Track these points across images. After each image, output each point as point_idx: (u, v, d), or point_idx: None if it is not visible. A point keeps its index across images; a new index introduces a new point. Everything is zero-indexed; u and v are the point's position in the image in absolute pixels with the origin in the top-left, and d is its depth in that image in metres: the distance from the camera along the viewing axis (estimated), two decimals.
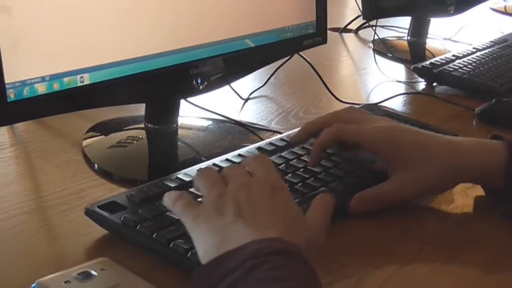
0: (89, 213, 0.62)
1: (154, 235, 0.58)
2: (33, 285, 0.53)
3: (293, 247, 0.50)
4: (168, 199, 0.58)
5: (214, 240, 0.52)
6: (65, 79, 0.66)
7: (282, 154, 0.76)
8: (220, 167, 0.70)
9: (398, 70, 1.25)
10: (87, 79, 0.67)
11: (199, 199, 0.58)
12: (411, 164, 0.68)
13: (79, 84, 0.67)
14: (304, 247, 0.51)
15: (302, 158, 0.75)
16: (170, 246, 0.57)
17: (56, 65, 0.65)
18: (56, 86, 0.65)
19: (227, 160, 0.73)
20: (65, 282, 0.53)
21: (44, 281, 0.53)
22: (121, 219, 0.60)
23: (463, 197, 0.74)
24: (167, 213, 0.61)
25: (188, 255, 0.56)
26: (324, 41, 0.97)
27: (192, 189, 0.65)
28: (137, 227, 0.59)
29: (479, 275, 0.62)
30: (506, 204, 0.70)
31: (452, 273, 0.62)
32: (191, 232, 0.55)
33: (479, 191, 0.75)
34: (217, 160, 0.73)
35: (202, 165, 0.72)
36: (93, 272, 0.54)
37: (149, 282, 0.54)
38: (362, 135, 0.70)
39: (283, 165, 0.73)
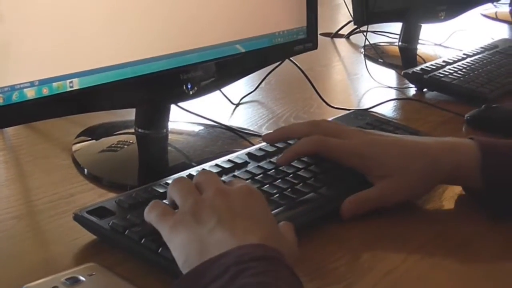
0: (78, 218, 0.62)
1: (142, 241, 0.58)
2: None
3: (276, 253, 0.50)
4: (146, 208, 0.58)
5: (194, 249, 0.52)
6: (55, 84, 0.65)
7: (272, 159, 0.76)
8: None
9: (389, 76, 1.25)
10: (76, 84, 0.67)
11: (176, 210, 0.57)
12: (391, 173, 0.70)
13: (69, 89, 0.67)
14: (284, 253, 0.51)
15: (291, 164, 0.75)
16: (159, 251, 0.57)
17: (46, 70, 0.65)
18: (45, 91, 0.65)
19: (216, 165, 0.73)
20: None
21: (32, 286, 0.53)
22: (110, 224, 0.60)
23: (450, 201, 0.75)
24: None
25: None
26: (315, 46, 0.97)
27: (165, 201, 0.63)
28: (126, 232, 0.59)
29: (466, 280, 0.62)
30: (487, 205, 0.71)
31: (440, 278, 0.62)
32: (168, 242, 0.54)
33: (465, 195, 0.76)
34: (207, 166, 0.73)
35: (192, 170, 0.72)
36: (81, 278, 0.54)
37: (136, 287, 0.54)
38: (341, 151, 0.71)
39: (273, 170, 0.73)
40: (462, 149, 0.72)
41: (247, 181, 0.69)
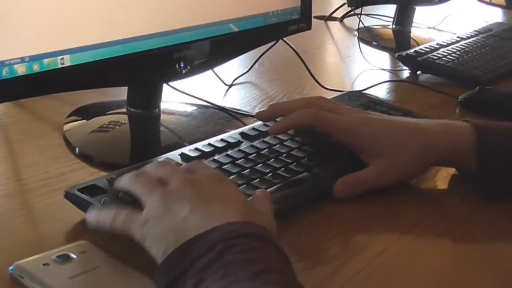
0: (69, 196, 0.61)
1: None
2: (11, 268, 0.52)
3: (263, 230, 0.50)
4: (103, 220, 0.55)
5: (172, 238, 0.50)
6: (45, 61, 0.65)
7: (265, 139, 0.75)
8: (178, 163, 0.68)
9: (383, 58, 1.25)
10: (67, 61, 0.66)
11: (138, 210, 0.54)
12: (386, 153, 0.69)
13: (60, 66, 0.66)
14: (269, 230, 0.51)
15: (284, 143, 0.74)
16: None
17: (36, 46, 0.64)
18: (36, 67, 0.64)
19: (209, 144, 0.73)
20: (43, 265, 0.52)
21: (22, 264, 0.52)
22: (101, 202, 0.59)
23: (444, 182, 0.75)
24: None
25: None
26: (308, 27, 0.97)
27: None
28: None
29: (460, 258, 0.62)
30: (481, 186, 0.71)
31: (433, 257, 0.62)
32: (143, 239, 0.52)
33: (459, 176, 0.76)
34: (199, 145, 0.73)
35: (184, 149, 0.71)
36: (72, 255, 0.54)
37: (127, 265, 0.54)
38: (336, 126, 0.70)
39: (266, 150, 0.73)
40: (457, 131, 0.71)
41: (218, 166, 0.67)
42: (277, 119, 0.75)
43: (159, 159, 0.68)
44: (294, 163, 0.71)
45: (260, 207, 0.56)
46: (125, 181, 0.57)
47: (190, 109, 0.91)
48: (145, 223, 0.52)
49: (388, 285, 0.57)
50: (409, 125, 0.72)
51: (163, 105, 0.85)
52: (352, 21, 1.46)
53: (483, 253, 0.63)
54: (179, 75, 0.79)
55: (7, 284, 0.52)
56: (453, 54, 1.17)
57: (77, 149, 0.75)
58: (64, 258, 0.53)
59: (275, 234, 0.54)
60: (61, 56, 0.66)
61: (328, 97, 0.92)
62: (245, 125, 0.85)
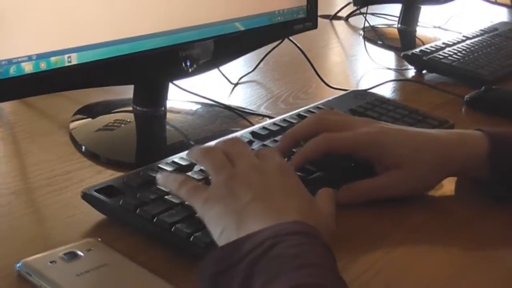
0: (86, 196, 0.61)
1: (154, 219, 0.57)
2: (18, 265, 0.52)
3: (312, 229, 0.51)
4: (171, 183, 0.58)
5: (231, 220, 0.52)
6: (52, 59, 0.65)
7: (276, 138, 0.75)
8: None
9: (388, 58, 1.25)
10: (74, 59, 0.66)
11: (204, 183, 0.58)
12: (401, 164, 0.68)
13: (67, 64, 0.66)
14: (320, 230, 0.51)
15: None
16: (172, 230, 0.56)
17: (44, 44, 0.64)
18: (43, 66, 0.64)
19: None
20: (50, 262, 0.52)
21: (29, 261, 0.52)
22: (120, 203, 0.59)
23: (450, 185, 0.74)
24: (166, 196, 0.60)
25: (191, 239, 0.55)
26: (314, 26, 0.97)
27: (189, 173, 0.64)
28: (137, 211, 0.58)
29: (463, 260, 0.62)
30: (492, 191, 0.71)
31: (438, 257, 0.62)
32: (203, 214, 0.54)
33: (464, 178, 0.75)
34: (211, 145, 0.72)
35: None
36: (79, 253, 0.54)
37: (135, 262, 0.54)
38: (350, 144, 0.68)
39: None
40: (471, 141, 0.70)
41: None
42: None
43: (175, 158, 0.67)
44: (291, 159, 0.70)
45: (320, 205, 0.57)
46: (196, 155, 0.60)
47: (196, 107, 0.91)
48: (207, 199, 0.54)
49: (394, 285, 0.57)
50: (423, 135, 0.70)
51: (169, 104, 0.85)
52: (357, 20, 1.46)
53: (487, 256, 0.63)
54: (185, 74, 0.79)
55: (14, 281, 0.52)
56: (458, 54, 1.17)
57: (83, 147, 0.75)
58: (71, 256, 0.53)
59: (331, 234, 0.55)
60: (68, 55, 0.66)
61: (333, 96, 0.93)
62: (251, 123, 0.85)
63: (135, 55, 0.72)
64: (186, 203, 0.58)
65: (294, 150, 0.70)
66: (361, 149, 0.68)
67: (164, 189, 0.60)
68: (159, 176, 0.60)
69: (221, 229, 0.52)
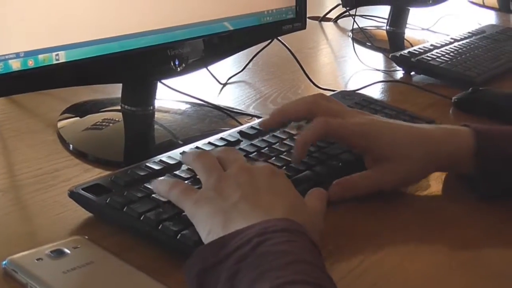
0: (74, 195, 0.61)
1: (141, 217, 0.57)
2: (4, 262, 0.52)
3: (299, 226, 0.51)
4: (162, 186, 0.58)
5: (218, 221, 0.52)
6: (40, 56, 0.64)
7: (264, 138, 0.75)
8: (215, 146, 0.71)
9: (377, 59, 1.25)
10: (63, 57, 0.66)
11: (196, 187, 0.58)
12: (389, 158, 0.69)
13: (55, 62, 0.66)
14: (307, 229, 0.52)
15: (284, 142, 0.74)
16: (159, 228, 0.56)
17: (32, 42, 0.64)
18: (30, 63, 0.64)
19: (209, 143, 0.72)
20: (37, 260, 0.52)
21: (15, 258, 0.52)
22: (107, 201, 0.59)
23: (437, 183, 0.75)
24: (154, 195, 0.60)
25: (178, 237, 0.55)
26: (303, 26, 0.97)
27: (177, 172, 0.64)
28: (124, 209, 0.58)
29: (450, 259, 0.62)
30: (478, 188, 0.71)
31: (426, 257, 0.62)
32: (192, 216, 0.55)
33: (451, 176, 0.76)
34: (199, 144, 0.72)
35: (184, 148, 0.71)
36: (66, 250, 0.54)
37: (122, 260, 0.54)
38: (344, 131, 0.69)
39: (266, 148, 0.73)
40: (458, 136, 0.71)
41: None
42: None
43: (162, 157, 0.68)
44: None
45: (309, 205, 0.58)
46: (188, 158, 0.61)
47: (184, 107, 0.91)
48: (197, 201, 0.55)
49: (381, 284, 0.57)
50: (414, 130, 0.71)
51: (158, 103, 0.85)
52: (346, 22, 1.47)
53: (475, 255, 0.63)
54: (173, 73, 0.79)
55: (0, 278, 0.51)
56: (446, 55, 1.18)
57: (71, 146, 0.75)
58: (58, 253, 0.53)
59: (319, 233, 0.55)
60: (56, 52, 0.66)
61: None
62: (240, 123, 0.85)
63: (123, 53, 0.72)
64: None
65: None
66: (353, 138, 0.69)
67: (159, 197, 0.59)
68: (152, 183, 0.60)
69: (209, 229, 0.52)
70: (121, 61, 0.73)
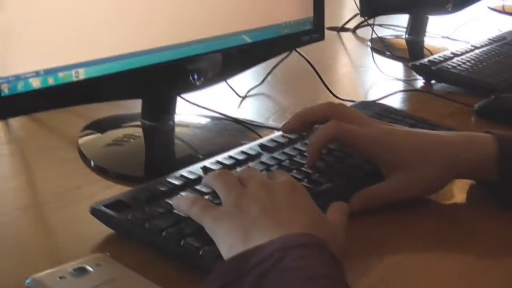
0: (95, 212, 0.61)
1: (163, 233, 0.57)
2: (27, 281, 0.52)
3: (319, 240, 0.50)
4: (182, 203, 0.58)
5: (238, 236, 0.52)
6: (60, 74, 0.65)
7: (285, 150, 0.75)
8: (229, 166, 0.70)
9: (396, 68, 1.25)
10: (82, 74, 0.67)
11: (216, 201, 0.58)
12: (409, 165, 0.68)
13: (74, 79, 0.66)
14: (328, 242, 0.51)
15: (305, 154, 0.74)
16: (181, 243, 0.56)
17: (51, 60, 0.64)
18: (50, 81, 0.64)
19: (230, 157, 0.72)
20: (60, 278, 0.52)
21: (38, 277, 0.52)
22: (128, 217, 0.59)
23: (459, 191, 0.74)
24: (175, 211, 0.60)
25: (200, 253, 0.55)
26: (321, 37, 0.97)
27: (198, 187, 0.64)
28: (146, 225, 0.58)
29: (471, 268, 0.61)
30: (501, 196, 0.70)
31: (448, 266, 0.61)
32: (212, 233, 0.54)
33: (474, 185, 0.75)
34: (220, 158, 0.72)
35: (205, 162, 0.70)
36: (88, 268, 0.53)
37: (145, 277, 0.53)
38: (359, 138, 0.68)
39: (287, 161, 0.72)
40: (479, 143, 0.70)
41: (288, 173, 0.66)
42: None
43: (183, 172, 0.68)
44: (316, 174, 0.70)
45: (330, 219, 0.57)
46: (209, 178, 0.61)
47: (204, 121, 0.91)
48: (217, 218, 0.54)
49: None
50: (432, 137, 0.70)
51: (177, 118, 0.85)
52: (365, 32, 1.46)
53: (499, 263, 0.63)
54: (193, 87, 0.79)
55: None
56: (467, 63, 1.17)
57: (92, 162, 0.75)
58: (80, 271, 0.53)
59: (341, 246, 0.55)
60: (76, 70, 0.66)
61: None
62: (260, 136, 0.85)
63: (142, 69, 0.72)
64: None
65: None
66: (369, 146, 0.68)
67: (180, 213, 0.59)
68: (173, 200, 0.60)
69: (229, 246, 0.52)
70: (139, 77, 0.73)
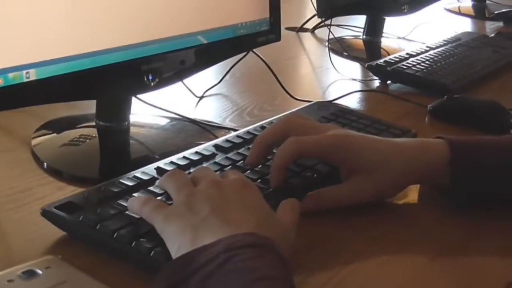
0: (46, 214, 0.60)
1: (115, 235, 0.57)
2: None
3: (266, 240, 0.51)
4: (134, 204, 0.58)
5: (187, 237, 0.52)
6: (10, 75, 0.64)
7: (239, 151, 0.75)
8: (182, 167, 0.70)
9: (354, 69, 1.26)
10: (33, 75, 0.66)
11: (169, 202, 0.58)
12: (366, 170, 0.68)
13: (25, 80, 0.65)
14: (277, 242, 0.51)
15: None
16: (132, 245, 0.56)
17: (1, 60, 0.63)
18: (0, 82, 0.63)
19: (184, 157, 0.72)
20: (8, 281, 0.51)
21: None
22: (80, 219, 0.59)
23: (413, 192, 0.75)
24: (127, 212, 0.60)
25: (151, 254, 0.55)
26: (278, 38, 0.97)
27: (151, 188, 0.64)
28: (97, 227, 0.58)
29: (425, 268, 0.62)
30: (453, 198, 0.72)
31: (402, 266, 0.62)
32: (162, 232, 0.54)
33: (427, 186, 0.76)
34: (174, 158, 0.72)
35: (159, 163, 0.70)
36: (38, 271, 0.53)
37: (96, 279, 0.53)
38: (318, 146, 0.68)
39: (241, 161, 0.72)
40: (432, 148, 0.71)
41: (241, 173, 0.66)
42: None
43: (136, 173, 0.67)
44: (270, 174, 0.70)
45: (280, 218, 0.58)
46: (161, 179, 0.61)
47: (160, 121, 0.90)
48: (167, 216, 0.55)
49: None
50: (389, 143, 0.71)
51: (133, 118, 0.85)
52: (324, 32, 1.47)
53: (451, 262, 0.64)
54: (147, 88, 0.79)
55: None
56: (422, 64, 1.19)
57: (45, 164, 0.74)
58: (30, 274, 0.52)
59: (290, 245, 0.55)
60: (27, 70, 0.65)
61: (297, 108, 0.93)
62: (216, 137, 0.85)
63: (95, 70, 0.72)
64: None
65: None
66: (328, 152, 0.69)
67: (133, 214, 0.59)
68: (130, 200, 0.60)
69: (177, 246, 0.52)
70: (93, 77, 0.72)
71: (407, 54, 1.23)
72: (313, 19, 1.52)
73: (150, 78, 0.78)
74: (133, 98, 0.85)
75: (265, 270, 0.47)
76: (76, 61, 0.70)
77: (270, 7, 0.94)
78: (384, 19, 1.43)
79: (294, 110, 0.91)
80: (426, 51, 1.27)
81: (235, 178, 0.59)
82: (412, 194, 0.75)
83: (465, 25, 1.76)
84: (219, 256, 0.48)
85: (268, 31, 0.95)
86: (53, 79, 0.67)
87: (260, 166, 0.71)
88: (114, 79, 0.75)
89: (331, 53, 1.27)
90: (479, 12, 1.86)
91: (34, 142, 0.80)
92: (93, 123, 0.84)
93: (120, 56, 0.74)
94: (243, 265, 0.47)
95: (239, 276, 0.46)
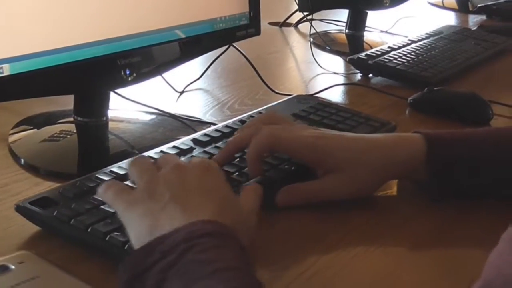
0: (20, 209, 0.60)
1: (89, 229, 0.57)
2: None
3: (225, 229, 0.50)
4: (100, 188, 0.58)
5: (146, 224, 0.52)
6: None
7: (217, 144, 0.75)
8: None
9: (337, 63, 1.26)
10: (7, 70, 0.65)
11: (135, 186, 0.57)
12: (339, 168, 0.68)
13: None
14: (236, 228, 0.51)
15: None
16: (106, 239, 0.56)
17: None
18: None
19: (161, 152, 0.72)
20: None
21: None
22: (54, 214, 0.59)
23: (390, 185, 0.75)
24: (102, 206, 0.60)
25: (125, 248, 0.55)
26: (257, 32, 0.97)
27: (127, 182, 0.64)
28: (71, 222, 0.58)
29: (400, 259, 0.63)
30: (430, 192, 0.72)
31: (376, 257, 0.62)
32: (123, 219, 0.54)
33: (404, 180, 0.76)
34: (151, 153, 0.72)
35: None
36: (11, 266, 0.53)
37: (69, 274, 0.53)
38: (292, 143, 0.68)
39: None
40: (409, 143, 0.71)
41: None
42: None
43: (113, 168, 0.67)
44: (247, 165, 0.70)
45: (242, 202, 0.57)
46: (127, 165, 0.61)
47: (139, 116, 0.90)
48: (129, 203, 0.54)
49: (330, 286, 0.57)
50: (364, 140, 0.71)
51: (112, 113, 0.84)
52: (307, 27, 1.47)
53: (425, 254, 0.64)
54: (125, 83, 0.79)
55: None
56: (404, 57, 1.19)
57: (22, 160, 0.74)
58: (2, 269, 0.52)
59: (251, 231, 0.55)
60: (0, 65, 0.65)
61: (277, 102, 0.93)
62: (195, 131, 0.85)
63: (71, 64, 0.71)
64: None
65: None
66: (300, 151, 0.69)
67: (108, 208, 0.59)
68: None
69: (137, 235, 0.52)
70: (69, 72, 0.72)
71: (388, 47, 1.23)
72: (296, 13, 1.52)
73: (127, 73, 0.78)
74: (114, 94, 0.84)
75: (225, 260, 0.47)
76: (52, 55, 0.69)
77: (249, 1, 0.94)
78: (367, 13, 1.43)
79: (273, 104, 0.91)
80: (408, 44, 1.28)
81: (197, 161, 0.58)
82: (391, 187, 0.75)
83: (449, 19, 1.76)
84: (178, 246, 0.47)
85: (247, 25, 0.95)
86: (29, 74, 0.67)
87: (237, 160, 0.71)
88: (90, 74, 0.75)
89: (314, 48, 1.28)
90: (463, 5, 1.87)
91: (11, 138, 0.79)
92: (71, 119, 0.83)
93: (96, 51, 0.74)
94: (202, 256, 0.47)
95: (199, 267, 0.46)
